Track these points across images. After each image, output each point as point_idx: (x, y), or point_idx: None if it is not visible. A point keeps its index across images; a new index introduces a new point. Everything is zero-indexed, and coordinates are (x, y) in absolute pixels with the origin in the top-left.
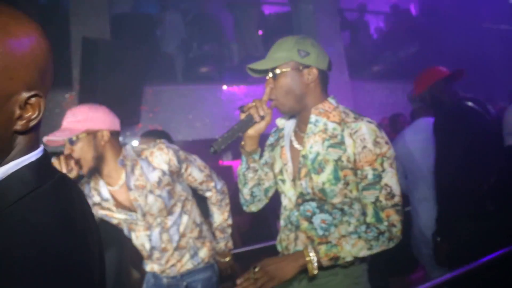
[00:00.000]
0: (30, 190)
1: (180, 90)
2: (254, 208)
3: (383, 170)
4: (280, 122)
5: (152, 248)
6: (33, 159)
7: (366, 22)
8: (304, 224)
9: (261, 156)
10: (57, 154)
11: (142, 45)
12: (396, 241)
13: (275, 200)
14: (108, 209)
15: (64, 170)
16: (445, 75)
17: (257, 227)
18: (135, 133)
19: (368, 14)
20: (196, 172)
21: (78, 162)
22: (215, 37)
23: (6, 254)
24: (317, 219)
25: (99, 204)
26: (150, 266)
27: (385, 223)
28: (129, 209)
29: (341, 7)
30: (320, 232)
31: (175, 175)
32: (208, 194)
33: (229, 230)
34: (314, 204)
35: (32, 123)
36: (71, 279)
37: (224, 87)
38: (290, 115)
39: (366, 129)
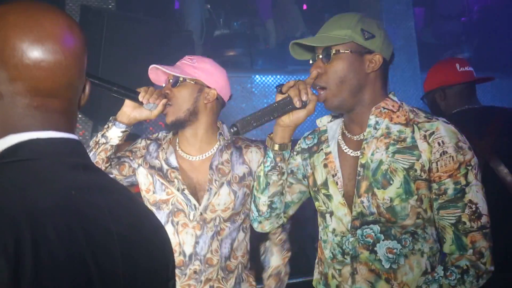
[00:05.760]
0: None
1: None
2: (268, 226)
3: (467, 184)
4: (321, 122)
5: (194, 255)
6: None
7: None
8: (365, 254)
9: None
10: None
11: (156, 20)
12: (486, 276)
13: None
14: (170, 180)
15: (144, 100)
16: (455, 82)
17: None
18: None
19: None
20: None
21: (169, 106)
22: (247, 12)
23: None
24: (382, 248)
25: (159, 170)
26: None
27: (470, 251)
28: (191, 192)
29: None
30: (387, 265)
31: None
32: None
33: (286, 280)
34: (376, 227)
35: None
36: None
37: (256, 76)
38: (333, 116)
39: (444, 131)
